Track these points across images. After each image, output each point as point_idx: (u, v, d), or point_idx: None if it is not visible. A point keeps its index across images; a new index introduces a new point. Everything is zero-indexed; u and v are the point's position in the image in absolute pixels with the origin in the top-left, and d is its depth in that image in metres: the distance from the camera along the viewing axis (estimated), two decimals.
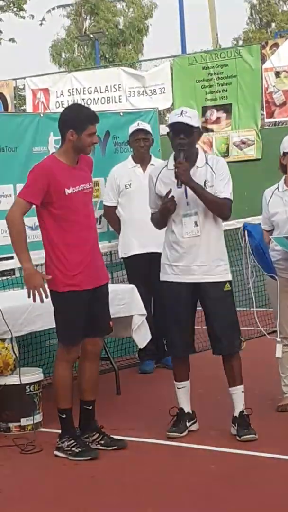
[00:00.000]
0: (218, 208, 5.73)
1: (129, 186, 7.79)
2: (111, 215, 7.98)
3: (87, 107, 5.80)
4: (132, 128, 7.86)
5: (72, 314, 5.58)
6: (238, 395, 5.83)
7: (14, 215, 5.53)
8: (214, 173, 5.73)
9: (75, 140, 5.57)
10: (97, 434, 5.71)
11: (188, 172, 5.63)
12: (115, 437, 5.75)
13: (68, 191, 5.54)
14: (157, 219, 5.87)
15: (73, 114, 5.64)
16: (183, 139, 5.65)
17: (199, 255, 5.73)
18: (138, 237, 7.66)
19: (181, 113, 5.69)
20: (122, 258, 7.91)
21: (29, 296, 5.54)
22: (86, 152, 5.67)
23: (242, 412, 5.79)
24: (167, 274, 5.81)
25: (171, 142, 5.75)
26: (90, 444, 5.68)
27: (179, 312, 5.80)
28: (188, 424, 5.89)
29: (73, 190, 5.55)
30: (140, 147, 7.81)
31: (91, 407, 5.74)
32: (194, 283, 5.75)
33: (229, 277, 5.84)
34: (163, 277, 5.86)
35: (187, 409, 5.92)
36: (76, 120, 5.57)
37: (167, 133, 5.81)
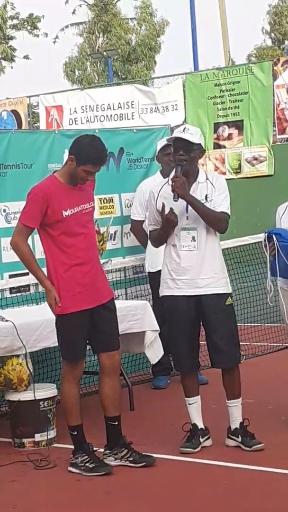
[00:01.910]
0: (215, 221, 5.83)
1: None
2: (139, 229, 8.01)
3: (101, 148, 5.61)
4: (161, 143, 7.88)
5: (71, 334, 5.63)
6: (238, 407, 5.88)
7: (16, 241, 5.62)
8: (214, 187, 5.84)
9: (71, 168, 5.60)
10: (126, 451, 5.71)
11: (184, 186, 5.71)
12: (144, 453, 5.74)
13: (66, 213, 5.56)
14: (156, 235, 5.92)
15: (84, 145, 5.61)
16: (182, 155, 5.75)
17: (203, 268, 5.78)
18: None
19: (183, 130, 5.80)
20: (149, 272, 7.91)
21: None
22: (77, 183, 5.63)
23: (242, 423, 5.83)
24: (170, 289, 5.85)
25: (172, 157, 5.89)
26: (119, 460, 5.68)
27: (186, 327, 5.82)
28: (201, 440, 5.90)
29: (71, 211, 5.58)
30: (171, 161, 7.83)
31: (116, 423, 5.73)
32: (196, 296, 5.78)
33: (230, 289, 5.93)
34: (165, 292, 5.89)
35: (200, 424, 5.93)
36: (82, 151, 5.57)
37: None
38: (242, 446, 5.81)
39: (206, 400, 6.10)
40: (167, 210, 5.75)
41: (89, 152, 5.56)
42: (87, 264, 5.62)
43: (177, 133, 5.82)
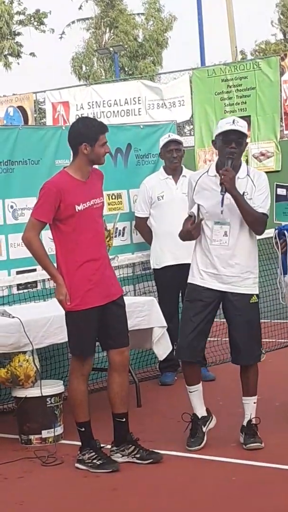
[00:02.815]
0: (254, 221, 5.72)
1: (161, 198, 7.80)
2: (143, 226, 8.00)
3: (94, 119, 5.80)
4: (164, 139, 7.87)
5: (81, 331, 5.61)
6: (250, 405, 5.85)
7: (29, 236, 5.60)
8: (254, 186, 5.74)
9: (89, 153, 5.58)
10: (133, 447, 5.70)
11: (233, 180, 5.62)
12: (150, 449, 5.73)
13: (78, 207, 5.55)
14: (183, 232, 5.85)
15: (84, 127, 5.64)
16: (234, 148, 5.67)
17: (229, 265, 5.73)
18: (170, 248, 7.64)
19: (233, 122, 5.71)
20: (154, 268, 7.90)
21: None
22: (101, 163, 5.67)
23: (250, 421, 5.82)
24: (194, 277, 5.82)
25: (220, 150, 5.74)
26: (126, 457, 5.68)
27: (199, 318, 5.77)
28: (204, 429, 5.87)
29: (84, 206, 5.57)
30: (173, 158, 7.82)
31: (124, 420, 5.73)
32: (220, 292, 5.75)
33: (256, 290, 5.85)
34: (190, 279, 5.85)
35: (202, 412, 5.90)
36: (88, 132, 5.59)
37: (212, 141, 5.86)
38: (243, 445, 5.79)
39: (214, 396, 6.09)
40: (201, 198, 5.71)
41: (92, 127, 5.60)
42: (97, 260, 5.60)
43: (227, 125, 5.68)
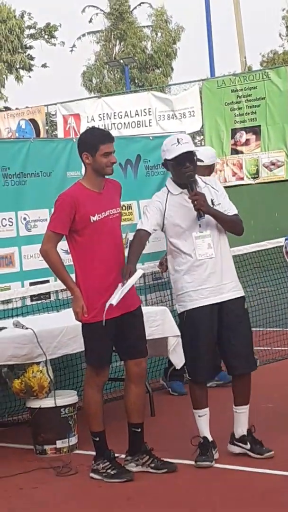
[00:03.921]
0: (235, 226, 5.79)
1: None
2: None
3: (100, 129, 5.82)
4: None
5: (98, 341, 5.62)
6: (246, 414, 5.82)
7: (46, 249, 5.63)
8: (216, 190, 5.78)
9: (91, 163, 5.62)
10: (147, 457, 5.71)
11: (206, 201, 5.63)
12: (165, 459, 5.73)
13: (94, 218, 5.56)
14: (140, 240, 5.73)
15: (85, 137, 5.72)
16: (189, 167, 5.66)
17: (223, 273, 5.72)
18: None
19: (179, 141, 5.66)
20: None
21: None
22: (107, 173, 5.65)
23: (250, 430, 5.80)
24: (196, 300, 5.70)
25: (175, 172, 5.70)
26: (140, 466, 5.69)
27: (209, 338, 5.73)
28: (214, 453, 5.78)
29: (99, 216, 5.58)
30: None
31: (139, 430, 5.74)
32: (219, 303, 5.72)
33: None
34: (188, 305, 5.71)
35: (210, 437, 5.82)
36: (88, 142, 5.63)
37: (162, 163, 5.82)
38: (251, 454, 5.75)
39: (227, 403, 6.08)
40: (177, 221, 5.68)
41: (93, 137, 5.64)
42: (115, 271, 5.59)
43: (176, 148, 5.63)
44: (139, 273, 5.55)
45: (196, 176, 5.75)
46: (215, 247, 5.70)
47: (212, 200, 5.69)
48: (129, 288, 5.49)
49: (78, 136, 5.98)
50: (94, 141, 5.60)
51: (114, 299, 5.42)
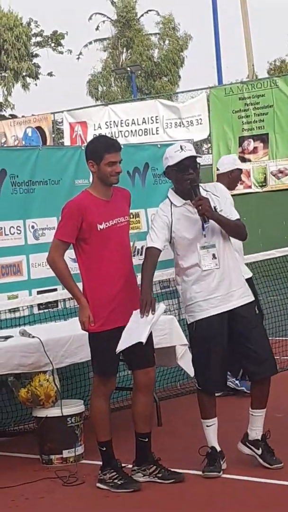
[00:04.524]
0: (239, 231, 5.79)
1: None
2: None
3: (107, 137, 5.79)
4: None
5: (105, 351, 5.58)
6: (262, 417, 5.78)
7: (53, 257, 5.61)
8: (218, 197, 5.74)
9: (96, 171, 5.59)
10: (155, 467, 5.67)
11: (210, 206, 5.60)
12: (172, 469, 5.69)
13: (101, 226, 5.54)
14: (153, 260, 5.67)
15: (92, 145, 5.69)
16: (192, 173, 5.63)
17: (232, 280, 5.69)
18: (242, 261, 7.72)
19: (182, 148, 5.65)
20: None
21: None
22: (111, 182, 5.61)
23: (264, 435, 5.77)
24: (206, 310, 5.66)
25: (178, 179, 5.67)
26: (147, 476, 5.66)
27: (221, 347, 5.68)
28: (222, 464, 5.74)
29: (106, 225, 5.55)
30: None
31: (146, 439, 5.70)
32: (229, 311, 5.68)
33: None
34: (198, 316, 5.68)
35: (218, 447, 5.78)
36: (93, 150, 5.61)
37: (164, 172, 5.78)
38: (260, 460, 5.73)
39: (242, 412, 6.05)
40: (184, 233, 5.66)
41: (99, 145, 5.61)
42: (122, 279, 5.58)
43: (179, 153, 5.62)
44: (162, 308, 5.55)
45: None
46: (220, 257, 5.67)
47: (214, 207, 5.66)
48: (154, 322, 5.48)
49: (85, 145, 5.97)
50: (99, 149, 5.57)
51: (143, 337, 5.39)
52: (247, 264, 8.64)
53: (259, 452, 5.75)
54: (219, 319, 5.67)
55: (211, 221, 5.61)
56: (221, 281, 5.67)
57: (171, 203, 5.73)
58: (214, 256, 5.65)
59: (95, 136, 5.99)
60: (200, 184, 5.78)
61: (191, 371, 6.96)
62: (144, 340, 5.39)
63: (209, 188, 5.80)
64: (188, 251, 5.69)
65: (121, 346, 5.45)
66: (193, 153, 5.69)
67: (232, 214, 5.75)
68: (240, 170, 7.88)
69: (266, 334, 5.81)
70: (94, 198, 5.61)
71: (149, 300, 5.48)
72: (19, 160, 7.46)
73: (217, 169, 7.90)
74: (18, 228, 7.37)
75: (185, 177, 5.62)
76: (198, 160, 5.75)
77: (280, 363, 8.66)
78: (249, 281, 7.71)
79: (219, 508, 5.21)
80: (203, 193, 5.69)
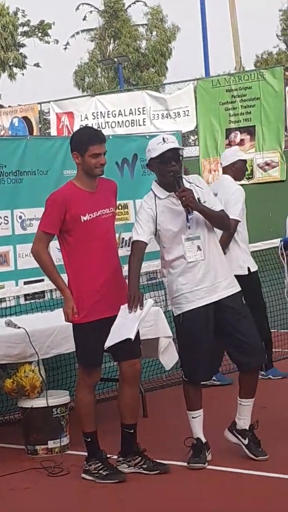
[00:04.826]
0: (224, 222, 5.82)
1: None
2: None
3: (92, 128, 5.76)
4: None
5: (89, 342, 5.59)
6: (250, 407, 5.79)
7: (37, 249, 5.60)
8: (201, 188, 5.74)
9: (81, 163, 5.57)
10: (140, 458, 5.68)
11: (195, 197, 5.60)
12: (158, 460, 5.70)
13: (84, 218, 5.52)
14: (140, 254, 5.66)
15: (76, 136, 5.68)
16: (175, 165, 5.62)
17: (217, 271, 5.69)
18: (248, 253, 7.91)
19: (164, 141, 5.64)
20: (253, 271, 7.90)
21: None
22: (96, 174, 5.58)
23: (252, 426, 5.78)
24: (192, 302, 5.66)
25: (160, 171, 5.66)
26: (132, 467, 5.66)
27: (208, 337, 5.69)
28: (208, 455, 5.76)
29: (90, 216, 5.54)
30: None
31: (132, 431, 5.71)
32: (215, 302, 5.68)
33: None
34: (186, 307, 5.67)
35: (203, 438, 5.79)
36: (78, 141, 5.59)
37: (147, 164, 5.78)
38: (246, 451, 5.74)
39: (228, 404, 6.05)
40: (169, 226, 5.66)
41: (83, 136, 5.59)
42: (106, 271, 5.57)
43: (162, 146, 5.61)
44: (150, 304, 5.55)
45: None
46: (205, 249, 5.67)
47: (198, 199, 5.65)
48: (142, 318, 5.47)
49: None
50: (83, 141, 5.55)
51: (132, 333, 5.39)
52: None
53: (246, 442, 5.76)
54: (205, 311, 5.67)
55: (195, 213, 5.61)
56: (206, 273, 5.67)
57: (155, 195, 5.72)
58: (199, 248, 5.65)
59: (81, 127, 5.95)
60: (183, 176, 5.78)
61: (168, 365, 7.00)
62: (133, 337, 5.39)
63: (192, 179, 5.80)
64: (173, 243, 5.69)
65: (110, 342, 5.45)
66: (176, 145, 5.68)
67: (216, 205, 5.76)
68: (243, 161, 8.03)
69: (254, 324, 5.81)
70: (78, 189, 5.60)
71: (137, 295, 5.48)
72: (7, 150, 7.43)
73: (221, 164, 8.08)
74: (6, 218, 7.35)
75: (168, 169, 5.62)
76: (181, 152, 5.75)
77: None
78: (254, 274, 7.78)
79: (204, 499, 5.22)
80: (187, 185, 5.68)
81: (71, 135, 5.82)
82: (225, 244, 7.23)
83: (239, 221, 7.63)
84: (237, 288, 5.77)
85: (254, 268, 7.80)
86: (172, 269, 5.73)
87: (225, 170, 7.95)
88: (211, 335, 5.70)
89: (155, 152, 5.65)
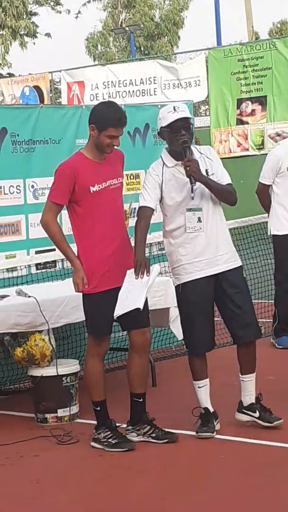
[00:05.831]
0: (229, 195, 5.72)
1: None
2: (265, 193, 8.15)
3: (117, 109, 5.62)
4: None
5: (99, 312, 5.60)
6: (253, 382, 5.81)
7: (47, 219, 5.60)
8: (211, 160, 5.71)
9: (95, 136, 5.54)
10: (149, 427, 5.71)
11: (199, 168, 5.56)
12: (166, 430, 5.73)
13: (93, 188, 5.52)
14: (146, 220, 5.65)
15: (100, 111, 5.60)
16: (185, 135, 5.60)
17: (219, 244, 5.68)
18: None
19: (175, 109, 5.62)
20: (275, 235, 8.09)
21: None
22: (105, 152, 5.58)
23: (258, 398, 5.80)
24: (191, 273, 5.67)
25: (170, 140, 5.65)
26: (141, 436, 5.70)
27: (207, 309, 5.72)
28: (216, 424, 5.79)
29: (99, 187, 5.53)
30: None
31: (141, 400, 5.73)
32: (215, 275, 5.69)
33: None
34: (184, 278, 5.69)
35: (211, 408, 5.82)
36: (100, 117, 5.53)
37: (158, 132, 5.77)
38: (260, 422, 5.76)
39: (229, 376, 6.06)
40: (173, 194, 5.64)
41: (106, 115, 5.53)
42: (115, 241, 5.58)
43: (172, 115, 5.59)
44: (156, 270, 5.53)
45: (192, 146, 5.71)
46: (207, 221, 5.65)
47: (206, 170, 5.64)
48: (149, 286, 5.47)
49: (86, 104, 5.91)
50: (105, 119, 5.51)
51: (140, 303, 5.40)
52: (244, 227, 8.67)
53: (257, 414, 5.78)
54: (205, 283, 5.67)
55: (202, 185, 5.59)
56: (207, 245, 5.66)
57: (164, 163, 5.72)
58: (199, 220, 5.64)
59: (106, 101, 5.87)
60: (196, 146, 5.75)
61: (180, 335, 7.00)
62: (141, 307, 5.40)
63: (203, 150, 5.78)
64: (175, 212, 5.68)
65: (118, 311, 5.46)
66: (186, 114, 5.65)
67: (223, 178, 5.72)
68: None
69: (251, 300, 5.82)
70: (87, 160, 5.59)
71: (143, 261, 5.48)
72: (20, 119, 7.41)
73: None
74: (18, 187, 7.35)
75: (177, 138, 5.60)
76: (191, 121, 5.73)
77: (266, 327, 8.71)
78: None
79: (212, 469, 5.26)
80: (197, 155, 5.66)
81: (95, 106, 5.73)
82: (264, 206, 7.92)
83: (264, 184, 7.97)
84: (238, 262, 5.78)
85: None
86: (173, 239, 5.73)
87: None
88: (211, 307, 5.73)
89: (165, 121, 5.64)
